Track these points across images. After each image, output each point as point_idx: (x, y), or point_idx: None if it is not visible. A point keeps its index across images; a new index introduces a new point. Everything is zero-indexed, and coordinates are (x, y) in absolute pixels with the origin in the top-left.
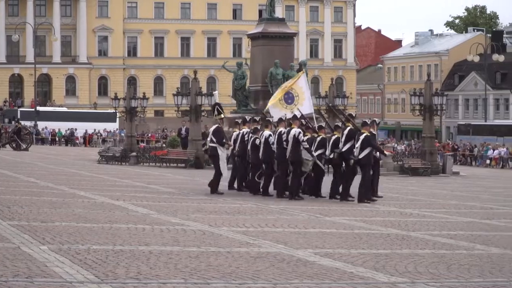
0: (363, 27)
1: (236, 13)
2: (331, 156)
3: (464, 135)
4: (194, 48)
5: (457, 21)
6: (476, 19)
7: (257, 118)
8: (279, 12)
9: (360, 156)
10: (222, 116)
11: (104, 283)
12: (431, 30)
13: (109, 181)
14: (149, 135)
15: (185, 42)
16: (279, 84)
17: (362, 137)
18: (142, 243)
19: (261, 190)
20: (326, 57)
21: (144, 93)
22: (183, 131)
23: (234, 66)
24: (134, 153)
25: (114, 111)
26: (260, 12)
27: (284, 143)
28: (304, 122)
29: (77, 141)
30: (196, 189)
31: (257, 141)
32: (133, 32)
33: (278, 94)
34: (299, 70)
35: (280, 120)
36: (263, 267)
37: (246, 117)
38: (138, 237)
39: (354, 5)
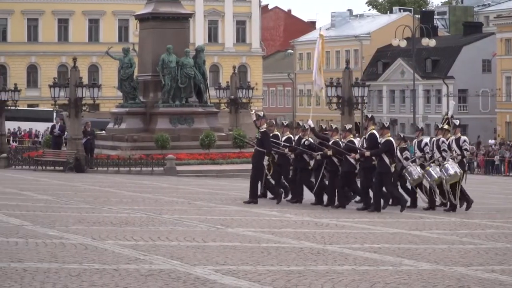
0: (270, 7)
1: None
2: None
3: None
4: (73, 31)
5: None
6: None
7: (285, 123)
8: None
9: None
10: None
11: None
12: (350, 10)
13: None
14: (22, 133)
15: (63, 25)
16: (172, 73)
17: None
18: (15, 259)
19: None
20: (227, 41)
21: (15, 84)
22: (56, 129)
23: (120, 53)
24: (4, 155)
25: None
26: None
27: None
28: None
29: None
30: (73, 196)
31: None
32: (3, 13)
33: (319, 65)
34: (195, 57)
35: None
36: (155, 287)
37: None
38: (10, 252)
39: None
